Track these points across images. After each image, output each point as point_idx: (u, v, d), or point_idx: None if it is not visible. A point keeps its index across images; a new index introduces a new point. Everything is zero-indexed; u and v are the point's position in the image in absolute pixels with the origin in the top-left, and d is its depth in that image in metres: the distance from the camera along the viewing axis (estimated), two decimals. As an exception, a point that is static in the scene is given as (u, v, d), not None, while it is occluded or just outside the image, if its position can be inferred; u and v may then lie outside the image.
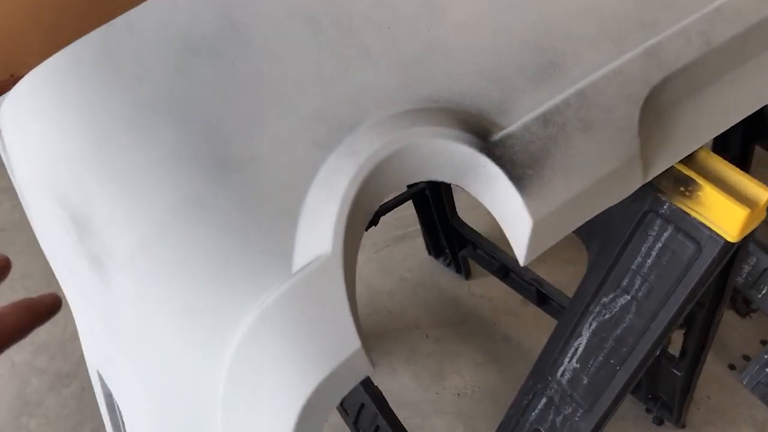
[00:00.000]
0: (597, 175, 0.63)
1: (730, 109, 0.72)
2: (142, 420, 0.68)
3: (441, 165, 0.61)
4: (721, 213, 0.70)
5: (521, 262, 0.64)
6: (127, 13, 0.73)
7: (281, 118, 0.62)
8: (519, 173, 0.60)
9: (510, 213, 0.61)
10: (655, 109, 0.67)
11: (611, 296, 0.83)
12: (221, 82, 0.65)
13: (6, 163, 0.78)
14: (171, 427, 0.65)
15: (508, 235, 0.64)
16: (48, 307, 0.45)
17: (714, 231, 0.71)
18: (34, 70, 0.74)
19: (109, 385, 0.81)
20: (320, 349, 0.56)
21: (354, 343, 0.56)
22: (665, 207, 0.74)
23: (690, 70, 0.68)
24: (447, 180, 0.62)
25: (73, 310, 0.79)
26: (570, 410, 0.91)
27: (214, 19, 0.70)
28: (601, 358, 0.86)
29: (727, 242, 0.71)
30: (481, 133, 0.61)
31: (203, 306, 0.59)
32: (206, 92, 0.65)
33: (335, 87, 0.64)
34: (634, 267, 0.79)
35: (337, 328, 0.56)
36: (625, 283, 0.80)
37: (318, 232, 0.58)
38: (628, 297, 0.81)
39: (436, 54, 0.66)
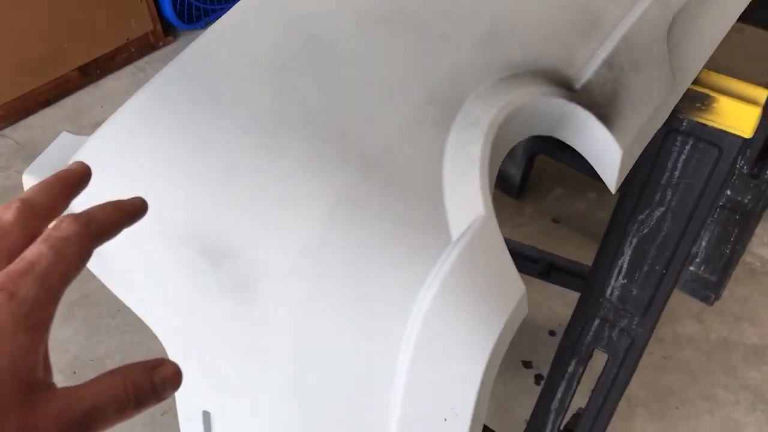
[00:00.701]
0: (654, 104, 0.76)
1: (718, 27, 0.87)
2: None
3: (541, 120, 0.71)
4: (736, 116, 0.84)
5: (613, 189, 0.75)
6: (191, 47, 0.77)
7: (397, 110, 0.70)
8: (603, 113, 0.71)
9: (601, 149, 0.72)
10: (672, 41, 0.81)
11: (646, 212, 0.96)
12: (326, 90, 0.72)
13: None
14: None
15: (599, 170, 0.75)
16: (136, 207, 0.44)
17: (732, 133, 0.86)
18: (108, 122, 0.76)
19: (219, 425, 0.84)
20: (498, 300, 0.64)
21: (520, 287, 0.65)
22: (684, 124, 0.88)
23: (689, 6, 0.82)
24: (546, 133, 0.73)
25: (177, 356, 0.82)
26: (626, 322, 1.04)
27: (291, 36, 0.76)
28: (646, 268, 0.99)
29: (745, 139, 0.85)
30: (566, 86, 0.72)
31: (378, 291, 0.65)
32: (316, 102, 0.71)
33: (432, 73, 0.72)
34: (663, 182, 0.93)
35: (505, 278, 0.65)
36: (657, 197, 0.94)
37: (466, 199, 0.66)
38: (663, 209, 0.94)
39: (503, 28, 0.76)
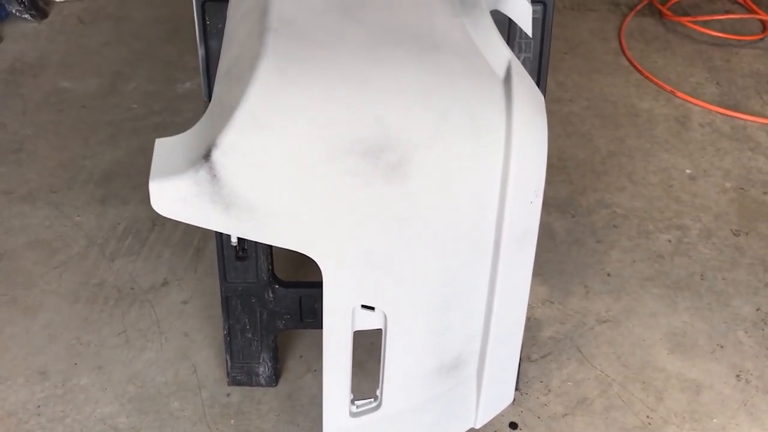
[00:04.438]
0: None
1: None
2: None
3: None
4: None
5: (530, 33, 1.19)
6: (269, 18, 0.99)
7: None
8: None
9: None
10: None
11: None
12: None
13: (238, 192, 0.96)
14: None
15: (520, 22, 1.18)
16: None
17: (545, -8, 1.35)
18: (249, 102, 0.94)
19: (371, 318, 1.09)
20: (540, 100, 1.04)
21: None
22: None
23: None
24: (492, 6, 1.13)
25: (332, 266, 1.04)
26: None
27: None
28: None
29: (556, -7, 1.36)
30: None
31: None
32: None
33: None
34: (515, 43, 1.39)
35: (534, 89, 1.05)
36: (516, 51, 1.41)
37: (495, 50, 1.04)
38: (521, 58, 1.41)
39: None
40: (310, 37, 0.97)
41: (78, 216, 2.09)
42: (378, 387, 1.23)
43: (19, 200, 2.13)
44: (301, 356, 1.76)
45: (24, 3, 2.79)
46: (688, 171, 2.29)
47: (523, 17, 1.18)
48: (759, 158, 2.33)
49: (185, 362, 1.74)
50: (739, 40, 2.86)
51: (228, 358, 1.65)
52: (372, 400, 1.25)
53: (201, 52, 1.32)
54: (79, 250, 1.99)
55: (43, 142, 2.33)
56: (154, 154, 0.97)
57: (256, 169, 0.95)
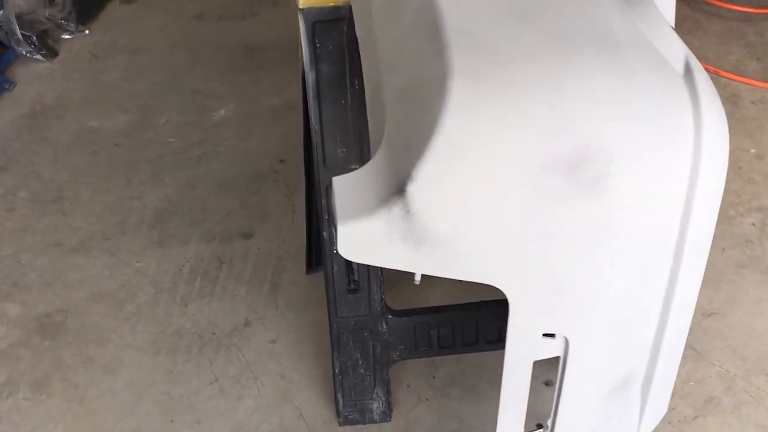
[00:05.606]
0: None
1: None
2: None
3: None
4: None
5: (673, 24, 1.12)
6: (445, 32, 0.91)
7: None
8: None
9: None
10: None
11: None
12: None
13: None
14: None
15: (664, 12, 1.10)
16: None
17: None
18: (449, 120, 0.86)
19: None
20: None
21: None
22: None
23: None
24: None
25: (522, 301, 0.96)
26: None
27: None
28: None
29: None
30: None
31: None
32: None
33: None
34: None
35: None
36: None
37: (671, 46, 0.97)
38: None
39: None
40: (492, 50, 0.89)
41: (138, 262, 1.97)
42: (549, 416, 1.15)
43: (71, 252, 2.00)
44: (408, 386, 1.66)
45: (33, 43, 2.66)
46: (752, 151, 2.24)
47: (667, 7, 1.11)
48: (818, 130, 2.30)
49: (288, 406, 1.63)
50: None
51: (339, 397, 1.55)
52: (542, 429, 1.18)
53: (311, 76, 1.23)
54: (147, 299, 1.87)
55: (83, 186, 2.20)
56: (335, 195, 0.87)
57: (453, 199, 0.86)
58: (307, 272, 1.90)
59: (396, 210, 0.85)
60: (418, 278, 1.10)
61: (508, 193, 0.88)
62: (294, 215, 2.08)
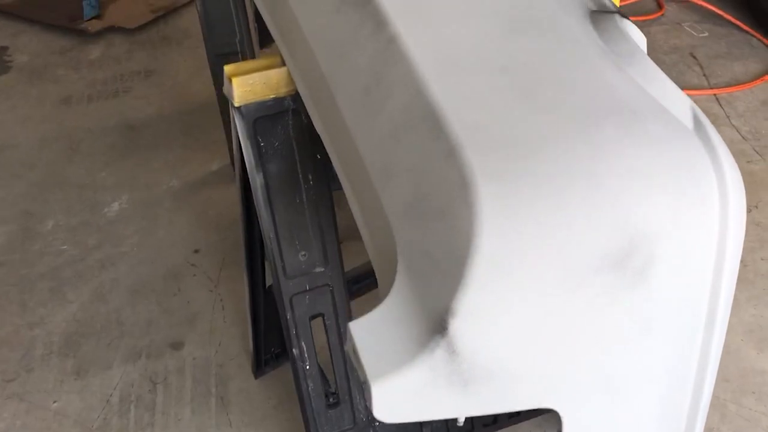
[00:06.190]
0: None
1: None
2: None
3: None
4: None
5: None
6: (452, 129, 0.77)
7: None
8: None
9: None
10: None
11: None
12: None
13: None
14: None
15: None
16: None
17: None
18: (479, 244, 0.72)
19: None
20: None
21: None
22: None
23: None
24: None
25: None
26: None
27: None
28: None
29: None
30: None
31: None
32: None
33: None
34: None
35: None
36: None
37: (676, 100, 0.88)
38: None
39: None
40: (511, 142, 0.75)
41: (55, 402, 1.68)
42: None
43: (-32, 405, 1.69)
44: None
45: None
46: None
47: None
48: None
49: None
50: (643, 21, 2.90)
51: None
52: None
53: (259, 180, 1.05)
54: (75, 444, 1.61)
55: (-32, 322, 1.89)
56: (356, 347, 0.71)
57: (502, 326, 0.72)
58: (256, 376, 1.69)
59: (439, 352, 0.70)
60: (460, 421, 0.94)
61: (560, 305, 0.75)
62: (224, 311, 1.87)
